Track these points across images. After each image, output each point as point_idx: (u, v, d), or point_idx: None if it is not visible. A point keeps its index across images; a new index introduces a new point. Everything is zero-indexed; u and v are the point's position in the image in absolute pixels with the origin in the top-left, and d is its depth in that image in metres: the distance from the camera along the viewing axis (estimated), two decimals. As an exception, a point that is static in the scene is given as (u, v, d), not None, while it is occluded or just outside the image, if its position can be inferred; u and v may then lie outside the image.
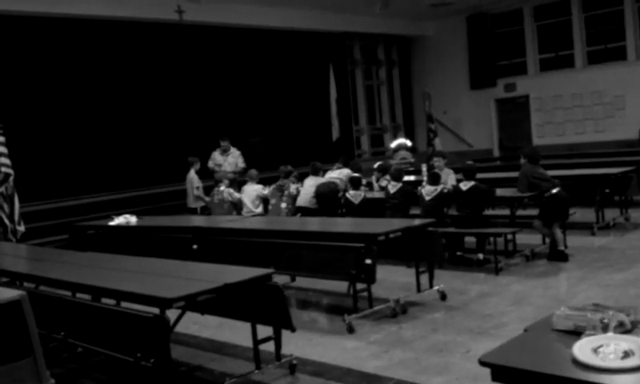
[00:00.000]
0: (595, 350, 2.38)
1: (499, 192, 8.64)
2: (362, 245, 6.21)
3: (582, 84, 17.49)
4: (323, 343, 5.87)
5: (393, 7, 16.62)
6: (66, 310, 5.40)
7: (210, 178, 12.03)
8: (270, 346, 5.09)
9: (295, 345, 5.49)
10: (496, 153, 19.21)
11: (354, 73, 19.65)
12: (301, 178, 10.86)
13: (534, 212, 8.59)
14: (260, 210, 10.66)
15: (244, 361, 5.44)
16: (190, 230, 8.53)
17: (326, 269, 6.64)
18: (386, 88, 20.64)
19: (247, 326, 5.06)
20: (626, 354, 2.33)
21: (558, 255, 8.10)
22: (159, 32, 14.33)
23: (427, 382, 4.76)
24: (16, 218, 9.99)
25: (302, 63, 17.40)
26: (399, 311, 6.47)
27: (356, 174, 10.24)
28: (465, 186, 8.33)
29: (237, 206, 10.89)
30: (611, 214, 10.01)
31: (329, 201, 9.98)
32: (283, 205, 10.41)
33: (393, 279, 7.65)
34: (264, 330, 5.04)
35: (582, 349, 2.40)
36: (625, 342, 2.40)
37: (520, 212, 8.96)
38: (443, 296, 6.90)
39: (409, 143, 16.52)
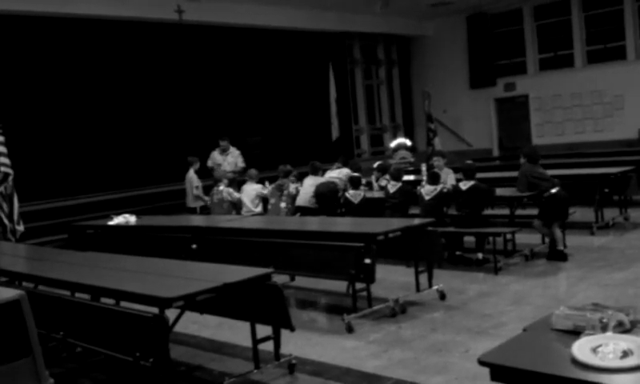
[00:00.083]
0: (594, 350, 2.37)
1: (499, 191, 8.64)
2: (362, 244, 6.21)
3: (582, 83, 17.49)
4: (322, 343, 5.87)
5: (393, 7, 16.62)
6: (65, 310, 5.40)
7: (209, 177, 12.02)
8: (269, 346, 5.09)
9: (294, 344, 5.48)
10: (495, 152, 19.21)
11: (353, 72, 19.64)
12: (300, 178, 10.86)
13: (534, 212, 8.59)
14: (259, 209, 10.66)
15: (243, 360, 5.44)
16: (190, 230, 8.54)
17: (325, 268, 6.64)
18: (385, 87, 20.64)
19: (246, 325, 5.06)
20: (625, 354, 2.32)
21: (557, 255, 8.10)
22: (158, 32, 14.32)
23: (426, 381, 4.75)
24: (15, 217, 9.99)
25: (301, 63, 17.39)
26: (398, 311, 6.47)
27: (356, 174, 10.24)
28: (464, 185, 8.33)
29: (236, 206, 10.89)
30: (610, 213, 10.01)
31: (328, 200, 9.98)
32: (283, 204, 10.40)
33: (392, 279, 7.65)
34: (263, 330, 5.04)
35: (581, 348, 2.39)
36: (624, 341, 2.39)
37: (519, 212, 8.97)
38: (442, 295, 6.90)
39: (408, 143, 16.55)
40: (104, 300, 5.30)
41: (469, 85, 19.59)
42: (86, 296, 5.37)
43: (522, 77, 18.81)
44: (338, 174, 10.92)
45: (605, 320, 2.57)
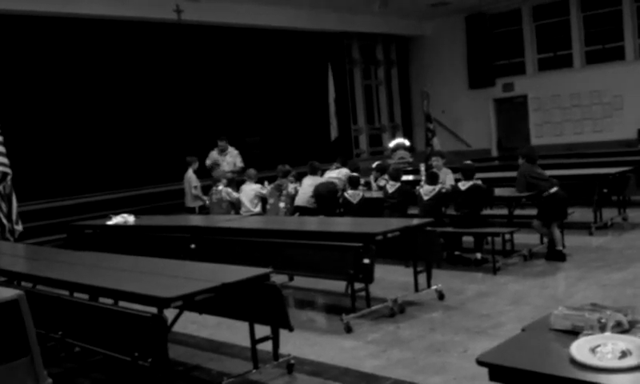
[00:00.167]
0: (593, 350, 2.37)
1: (497, 192, 8.65)
2: (360, 244, 6.22)
3: (581, 84, 17.50)
4: (321, 343, 5.86)
5: (392, 7, 16.63)
6: (63, 310, 5.39)
7: (208, 177, 12.02)
8: (267, 346, 5.09)
9: (293, 344, 5.49)
10: (494, 152, 19.21)
11: (352, 72, 19.64)
12: (299, 178, 10.86)
13: (532, 212, 8.60)
14: (258, 209, 10.66)
15: (242, 360, 5.43)
16: (188, 230, 8.53)
17: (324, 268, 6.64)
18: (384, 88, 20.65)
19: (245, 325, 5.06)
20: (624, 354, 2.32)
21: (555, 255, 8.10)
22: (157, 31, 14.32)
23: (425, 381, 4.75)
24: (14, 217, 9.97)
25: (300, 63, 17.39)
26: (397, 311, 6.47)
27: (355, 174, 10.24)
28: (463, 185, 8.33)
29: (235, 206, 10.88)
30: (609, 213, 10.02)
31: (327, 201, 9.97)
32: (281, 204, 10.40)
33: (391, 279, 7.66)
34: (262, 330, 5.03)
35: (579, 348, 2.39)
36: (622, 341, 2.39)
37: (518, 212, 8.98)
38: (441, 295, 6.90)
39: (407, 143, 16.54)
40: (102, 300, 5.29)
41: (468, 85, 19.59)
42: (84, 296, 5.36)
43: (520, 77, 18.82)
44: (337, 174, 10.92)
45: (603, 320, 2.57)
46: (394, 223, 7.07)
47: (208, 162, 12.54)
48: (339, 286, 7.12)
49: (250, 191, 10.71)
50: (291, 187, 10.56)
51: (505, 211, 8.81)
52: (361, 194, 9.43)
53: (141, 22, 13.83)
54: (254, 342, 5.00)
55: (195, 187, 11.86)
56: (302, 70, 17.39)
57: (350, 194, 9.43)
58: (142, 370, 4.42)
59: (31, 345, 3.71)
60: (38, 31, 12.70)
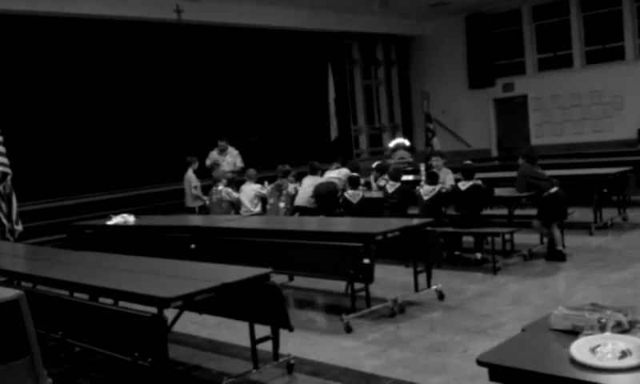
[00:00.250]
0: (593, 350, 2.37)
1: (497, 192, 8.65)
2: (360, 244, 6.22)
3: (581, 84, 17.50)
4: (321, 343, 5.86)
5: (392, 6, 16.63)
6: (63, 310, 5.39)
7: (208, 177, 12.02)
8: (267, 346, 5.09)
9: (293, 344, 5.49)
10: (494, 152, 19.22)
11: (352, 72, 19.64)
12: (299, 178, 10.86)
13: (532, 212, 8.60)
14: (258, 209, 10.66)
15: (242, 360, 5.43)
16: (188, 230, 8.53)
17: (324, 268, 6.64)
18: (384, 88, 20.65)
19: (245, 325, 5.06)
20: (624, 354, 2.32)
21: (555, 255, 8.10)
22: (157, 31, 14.32)
23: (425, 381, 4.75)
24: (14, 217, 9.97)
25: (300, 63, 17.39)
26: (397, 311, 6.47)
27: (355, 174, 10.24)
28: (463, 185, 8.33)
29: (235, 206, 10.88)
30: (609, 213, 10.02)
31: (327, 201, 9.98)
32: (281, 204, 10.40)
33: (391, 279, 7.66)
34: (262, 330, 5.03)
35: (579, 348, 2.39)
36: (622, 341, 2.39)
37: (518, 212, 8.97)
38: (441, 295, 6.90)
39: (407, 143, 16.54)
40: (103, 300, 5.29)
41: (467, 85, 19.60)
42: (84, 296, 5.36)
43: (520, 77, 18.82)
44: (337, 174, 10.92)
45: (603, 320, 2.57)
46: (394, 223, 7.07)
47: (208, 161, 12.54)
48: (339, 286, 7.12)
49: (249, 191, 10.71)
50: (291, 187, 10.56)
51: (505, 211, 8.81)
52: (361, 193, 9.43)
53: (141, 22, 13.83)
54: (254, 342, 5.00)
55: (195, 187, 11.86)
56: (301, 70, 17.39)
57: (349, 193, 9.43)
58: (142, 369, 4.42)
59: (31, 345, 3.71)
60: (37, 31, 12.70)
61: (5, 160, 9.98)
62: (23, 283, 6.10)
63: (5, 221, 9.88)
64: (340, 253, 6.46)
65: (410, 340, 5.72)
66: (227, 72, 15.64)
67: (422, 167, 10.77)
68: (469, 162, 10.54)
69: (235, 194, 10.91)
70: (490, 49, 19.05)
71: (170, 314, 4.47)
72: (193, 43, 14.85)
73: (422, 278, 6.97)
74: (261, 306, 4.96)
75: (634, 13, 16.83)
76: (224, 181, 11.12)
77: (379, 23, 18.38)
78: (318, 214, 9.75)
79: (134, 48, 14.13)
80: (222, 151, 12.63)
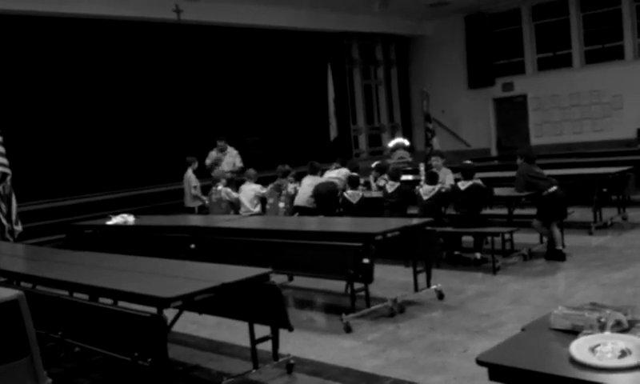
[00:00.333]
0: (592, 349, 2.37)
1: (497, 191, 8.65)
2: (360, 244, 6.21)
3: (580, 83, 17.51)
4: (321, 343, 5.86)
5: (391, 6, 16.63)
6: (63, 310, 5.39)
7: (207, 177, 12.02)
8: (267, 346, 5.09)
9: (293, 344, 5.49)
10: (494, 152, 19.22)
11: (352, 72, 19.64)
12: (298, 178, 10.85)
13: (532, 211, 8.60)
14: (258, 209, 10.66)
15: (241, 360, 5.43)
16: (188, 230, 8.53)
17: (323, 268, 6.64)
18: (383, 87, 20.65)
19: (245, 325, 5.06)
20: (624, 354, 2.32)
21: (555, 254, 8.10)
22: (157, 31, 14.31)
23: (425, 381, 4.75)
24: (13, 217, 9.96)
25: (300, 63, 17.39)
26: (397, 310, 6.47)
27: (354, 174, 10.24)
28: (463, 185, 8.33)
29: (234, 206, 10.88)
30: (609, 213, 10.02)
31: (327, 201, 9.98)
32: (281, 204, 10.40)
33: (390, 278, 7.65)
34: (262, 330, 5.03)
35: (579, 348, 2.39)
36: (622, 341, 2.39)
37: (517, 211, 8.97)
38: (441, 295, 6.90)
39: (407, 142, 16.52)
40: (102, 300, 5.29)
41: (467, 85, 19.60)
42: (84, 296, 5.37)
43: (520, 77, 18.82)
44: (337, 174, 10.92)
45: (603, 319, 2.57)
46: (394, 223, 7.06)
47: (208, 161, 12.54)
48: (339, 285, 7.12)
49: (249, 191, 10.70)
50: (291, 187, 10.56)
51: (504, 211, 8.82)
52: (360, 193, 9.43)
53: (140, 21, 13.82)
54: (254, 341, 5.00)
55: (195, 187, 11.86)
56: (301, 70, 17.39)
57: (349, 193, 9.43)
58: (141, 369, 4.42)
59: (31, 345, 3.71)
60: (37, 31, 12.69)
61: (4, 160, 9.98)
62: (23, 283, 6.10)
63: (4, 221, 9.88)
64: (340, 253, 6.46)
65: (409, 340, 5.72)
66: (227, 72, 15.64)
67: (422, 167, 10.77)
68: (468, 161, 10.54)
69: (235, 194, 10.91)
70: (489, 48, 19.06)
71: (169, 313, 4.47)
72: (192, 43, 14.84)
73: (422, 277, 6.97)
74: (260, 305, 4.96)
75: (633, 12, 16.83)
76: (223, 181, 11.12)
77: (379, 23, 18.38)
78: (317, 214, 9.75)
79: (133, 48, 14.12)
80: (221, 151, 12.62)
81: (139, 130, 14.06)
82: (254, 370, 5.02)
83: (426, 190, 8.52)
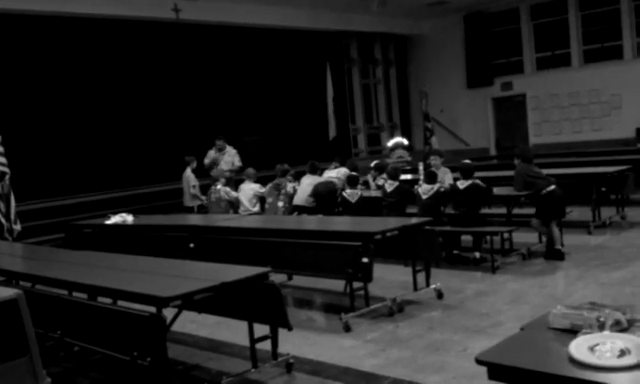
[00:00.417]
0: (592, 349, 2.38)
1: (496, 191, 8.65)
2: (359, 243, 6.21)
3: (579, 83, 17.51)
4: (320, 342, 5.87)
5: (390, 6, 16.62)
6: (62, 309, 5.39)
7: (206, 176, 12.01)
8: (266, 345, 5.09)
9: (292, 343, 5.49)
10: (492, 151, 19.22)
11: (350, 71, 19.64)
12: (297, 177, 10.85)
13: (531, 211, 8.60)
14: (257, 208, 10.66)
15: (241, 359, 5.43)
16: (187, 229, 8.53)
17: (322, 267, 6.64)
18: (382, 87, 20.64)
19: (244, 324, 5.06)
20: (623, 353, 2.33)
21: (554, 254, 8.11)
22: (155, 30, 14.30)
23: (424, 380, 4.76)
24: (12, 216, 9.96)
25: (298, 62, 17.38)
26: (396, 310, 6.48)
27: (354, 173, 10.23)
28: (462, 184, 8.33)
29: (234, 205, 10.88)
30: (608, 212, 10.03)
31: (327, 200, 9.97)
32: (280, 203, 10.40)
33: (390, 278, 7.65)
34: (261, 329, 5.03)
35: (578, 347, 2.40)
36: (621, 340, 2.40)
37: (516, 211, 8.98)
38: (440, 295, 6.90)
39: (405, 142, 16.52)
40: (101, 299, 5.29)
41: (466, 84, 19.61)
42: (83, 295, 5.36)
43: (519, 76, 18.83)
44: (336, 173, 10.92)
45: (602, 319, 2.57)
46: (393, 222, 7.07)
47: (206, 161, 12.54)
48: (338, 285, 7.12)
49: (248, 190, 10.70)
50: (290, 186, 10.56)
51: (503, 210, 8.82)
52: (359, 193, 9.42)
53: (139, 21, 13.81)
54: (253, 341, 5.00)
55: (194, 186, 11.86)
56: (300, 70, 17.38)
57: (348, 193, 9.42)
58: (140, 369, 4.42)
59: (30, 344, 3.71)
60: (36, 30, 12.68)
61: (3, 159, 9.98)
62: (22, 283, 6.09)
63: (3, 220, 9.88)
64: (339, 252, 6.46)
65: (408, 339, 5.72)
66: (225, 71, 15.63)
67: (421, 166, 10.76)
68: (467, 161, 10.54)
69: (234, 194, 10.90)
70: (488, 48, 19.06)
71: (168, 313, 4.46)
72: (191, 43, 14.84)
73: (421, 277, 6.97)
74: (260, 305, 4.96)
75: (632, 11, 16.83)
76: (222, 180, 11.12)
77: (377, 22, 18.38)
78: (316, 214, 9.74)
79: (132, 47, 14.11)
80: (220, 150, 12.62)
81: (138, 130, 14.06)
82: (253, 370, 5.03)
83: (424, 190, 8.53)
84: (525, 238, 8.75)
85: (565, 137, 17.65)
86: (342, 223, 8.25)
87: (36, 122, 12.61)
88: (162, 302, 4.33)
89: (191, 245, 7.78)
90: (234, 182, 11.99)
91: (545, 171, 8.55)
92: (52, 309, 5.41)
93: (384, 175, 10.09)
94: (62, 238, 10.37)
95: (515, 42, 18.81)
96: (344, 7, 16.92)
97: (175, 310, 4.67)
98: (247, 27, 15.66)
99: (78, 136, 13.20)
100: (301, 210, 10.12)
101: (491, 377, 2.54)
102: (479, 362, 2.55)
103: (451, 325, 6.01)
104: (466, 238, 8.67)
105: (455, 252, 8.51)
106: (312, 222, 8.49)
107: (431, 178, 8.71)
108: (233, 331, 5.94)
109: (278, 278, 6.59)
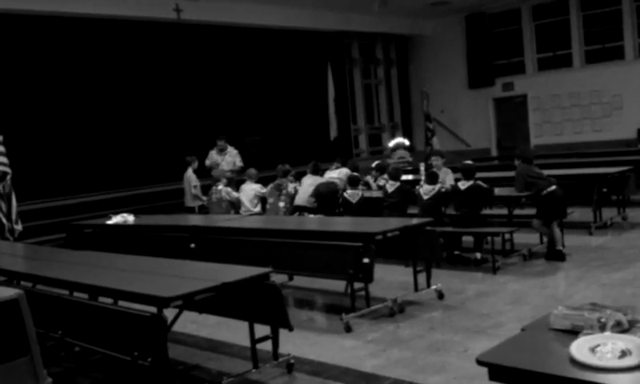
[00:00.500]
0: (593, 350, 2.37)
1: (497, 191, 8.65)
2: (360, 244, 6.22)
3: (580, 83, 17.50)
4: (321, 342, 5.87)
5: (391, 6, 16.61)
6: (63, 309, 5.39)
7: (207, 177, 12.02)
8: (267, 345, 5.09)
9: (293, 344, 5.49)
10: (494, 152, 19.22)
11: (352, 72, 19.63)
12: (298, 177, 10.85)
13: (532, 211, 8.60)
14: (258, 209, 10.66)
15: (241, 360, 5.43)
16: (188, 229, 8.53)
17: (323, 268, 6.64)
18: (384, 87, 20.63)
19: (245, 325, 5.06)
20: (624, 354, 2.33)
21: (555, 254, 8.10)
22: (157, 31, 14.31)
23: (425, 381, 4.75)
24: (13, 216, 9.96)
25: (300, 62, 17.38)
26: (397, 310, 6.47)
27: (355, 173, 10.24)
28: (463, 185, 8.33)
29: (235, 205, 10.88)
30: (609, 213, 10.02)
31: (328, 200, 9.97)
32: (281, 204, 10.40)
33: (390, 278, 7.65)
34: (262, 329, 5.03)
35: (579, 348, 2.40)
36: (622, 341, 2.39)
37: (517, 211, 8.97)
38: (441, 295, 6.90)
39: (407, 142, 16.54)
40: (102, 299, 5.29)
41: (467, 84, 19.60)
42: (84, 295, 5.37)
43: (520, 77, 18.82)
44: (337, 174, 10.93)
45: (603, 320, 2.57)
46: (394, 223, 7.06)
47: (207, 161, 12.54)
48: (339, 285, 7.12)
49: (249, 191, 10.71)
50: (291, 187, 10.56)
51: (504, 211, 8.82)
52: (360, 193, 9.42)
53: (140, 21, 13.81)
54: (254, 341, 5.00)
55: (195, 187, 11.86)
56: (301, 70, 17.38)
57: (349, 193, 9.42)
58: (141, 369, 4.42)
59: (31, 344, 3.71)
60: (36, 30, 12.69)
61: (4, 159, 9.98)
62: (23, 283, 6.09)
63: (4, 220, 9.88)
64: (340, 252, 6.46)
65: (409, 339, 5.72)
66: (227, 71, 15.64)
67: (422, 167, 10.77)
68: (469, 161, 10.54)
69: (235, 194, 10.91)
70: (489, 48, 19.05)
71: (169, 313, 4.46)
72: (192, 43, 14.85)
73: (422, 277, 6.97)
74: (260, 305, 4.96)
75: (633, 12, 16.82)
76: (224, 180, 11.12)
77: (379, 23, 18.37)
78: (317, 214, 9.74)
79: (133, 47, 14.12)
80: (221, 151, 12.62)
81: (139, 130, 14.06)
82: (253, 370, 5.03)
83: (426, 190, 8.52)
84: (526, 238, 8.75)
85: (566, 137, 17.63)
86: (342, 224, 8.25)
87: (37, 122, 12.61)
88: (162, 303, 4.33)
89: (192, 245, 7.79)
90: (236, 182, 11.99)
91: (546, 172, 8.55)
92: (53, 309, 5.41)
93: (385, 176, 10.09)
94: (63, 238, 10.37)
95: (516, 42, 18.80)
96: (345, 7, 16.92)
97: (176, 311, 4.67)
98: (249, 27, 15.66)
99: (80, 136, 13.21)
100: (302, 210, 10.12)
101: (492, 377, 2.54)
102: (480, 362, 2.55)
103: (452, 325, 6.01)
104: (467, 239, 8.66)
105: (456, 253, 8.51)
106: (313, 223, 8.49)
107: (432, 178, 8.70)
108: (233, 331, 5.94)
109: (278, 278, 6.60)
